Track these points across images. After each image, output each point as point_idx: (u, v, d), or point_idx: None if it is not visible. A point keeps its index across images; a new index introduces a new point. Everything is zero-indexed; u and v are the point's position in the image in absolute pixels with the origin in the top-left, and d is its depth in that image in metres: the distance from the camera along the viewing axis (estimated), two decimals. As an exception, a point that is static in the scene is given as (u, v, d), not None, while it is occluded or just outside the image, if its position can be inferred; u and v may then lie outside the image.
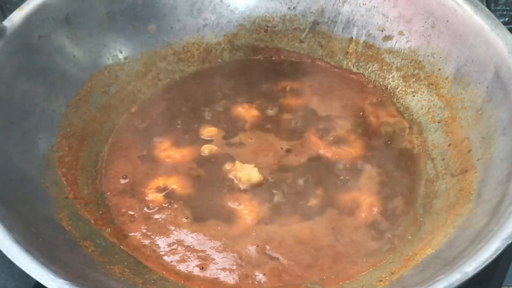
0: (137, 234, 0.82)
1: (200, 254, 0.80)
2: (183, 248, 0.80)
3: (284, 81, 1.00)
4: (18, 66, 0.82)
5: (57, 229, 0.75)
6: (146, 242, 0.81)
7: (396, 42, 0.96)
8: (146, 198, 0.85)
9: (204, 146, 0.90)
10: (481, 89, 0.83)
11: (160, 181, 0.87)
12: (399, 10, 0.95)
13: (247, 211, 0.83)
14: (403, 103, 0.96)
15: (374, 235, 0.81)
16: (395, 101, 0.96)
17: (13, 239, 0.64)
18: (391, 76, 0.98)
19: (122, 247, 0.80)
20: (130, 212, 0.84)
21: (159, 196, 0.85)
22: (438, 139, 0.89)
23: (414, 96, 0.95)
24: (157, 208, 0.84)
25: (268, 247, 0.80)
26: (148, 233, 0.82)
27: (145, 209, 0.84)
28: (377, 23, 0.97)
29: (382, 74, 0.98)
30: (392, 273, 0.74)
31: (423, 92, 0.93)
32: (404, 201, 0.85)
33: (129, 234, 0.82)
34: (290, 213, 0.83)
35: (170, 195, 0.85)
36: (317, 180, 0.87)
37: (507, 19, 1.14)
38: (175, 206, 0.84)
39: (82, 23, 0.90)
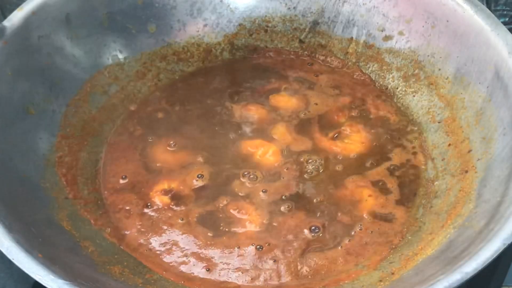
0: (138, 234, 0.82)
1: (201, 255, 0.80)
2: (184, 249, 0.80)
3: (284, 80, 1.00)
4: (18, 66, 0.82)
5: (57, 229, 0.75)
6: (146, 242, 0.81)
7: (396, 42, 0.96)
8: (152, 199, 0.85)
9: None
10: (481, 89, 0.83)
11: (165, 184, 0.87)
12: (399, 10, 0.94)
13: (250, 212, 0.83)
14: (403, 103, 0.96)
15: (374, 235, 0.81)
16: (395, 101, 0.96)
17: (13, 239, 0.64)
18: (391, 76, 0.98)
19: (122, 247, 0.80)
20: (127, 208, 0.85)
21: (165, 198, 0.85)
22: (438, 139, 0.89)
23: (414, 96, 0.95)
24: (159, 210, 0.84)
25: (269, 249, 0.80)
26: (149, 234, 0.82)
27: (147, 210, 0.84)
28: (377, 23, 0.97)
29: (382, 74, 0.98)
30: (392, 273, 0.74)
31: (423, 92, 0.93)
32: (405, 201, 0.85)
33: (126, 233, 0.82)
34: (293, 214, 0.83)
35: (174, 197, 0.85)
36: (319, 178, 0.87)
37: (507, 19, 1.14)
38: (179, 208, 0.84)
39: (82, 23, 0.90)
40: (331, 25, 1.01)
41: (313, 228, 0.81)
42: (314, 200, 0.84)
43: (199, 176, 0.87)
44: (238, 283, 0.77)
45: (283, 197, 0.85)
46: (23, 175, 0.78)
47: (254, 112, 0.96)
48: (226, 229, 0.82)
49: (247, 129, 0.94)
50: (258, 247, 0.80)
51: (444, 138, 0.88)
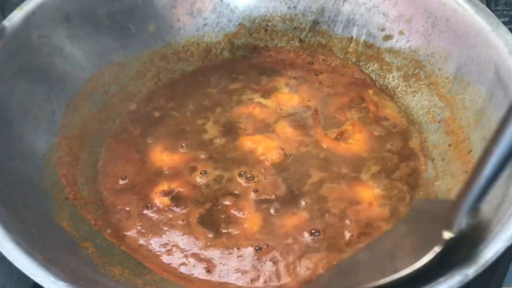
0: (138, 235, 0.82)
1: (201, 256, 0.80)
2: (184, 250, 0.80)
3: (284, 79, 1.00)
4: (18, 66, 0.82)
5: (57, 229, 0.75)
6: (147, 243, 0.81)
7: (396, 41, 0.96)
8: (153, 201, 0.85)
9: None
10: (482, 89, 0.83)
11: (165, 185, 0.86)
12: (400, 10, 0.94)
13: (249, 212, 0.83)
14: (403, 103, 0.95)
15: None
16: (395, 100, 0.96)
17: (13, 240, 0.63)
18: (391, 75, 0.97)
19: (122, 248, 0.80)
20: (126, 209, 0.85)
21: (165, 200, 0.85)
22: (438, 139, 0.89)
23: (414, 96, 0.95)
24: (159, 211, 0.84)
25: (268, 250, 0.80)
26: (149, 235, 0.82)
27: (147, 211, 0.84)
28: (377, 22, 0.97)
29: (382, 73, 0.98)
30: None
31: (424, 92, 0.93)
32: (404, 201, 0.85)
33: (126, 233, 0.82)
34: (293, 215, 0.83)
35: (174, 199, 0.85)
36: (319, 179, 0.87)
37: (507, 19, 1.14)
38: (179, 209, 0.84)
39: (82, 23, 0.90)
40: (331, 24, 1.01)
41: (313, 231, 0.81)
42: (315, 201, 0.84)
43: (201, 175, 0.87)
44: (238, 284, 0.77)
45: (283, 197, 0.85)
46: (23, 175, 0.77)
47: (254, 111, 0.96)
48: (226, 230, 0.82)
49: (248, 128, 0.93)
50: (257, 248, 0.80)
51: (444, 138, 0.88)
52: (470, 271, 0.60)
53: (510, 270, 0.86)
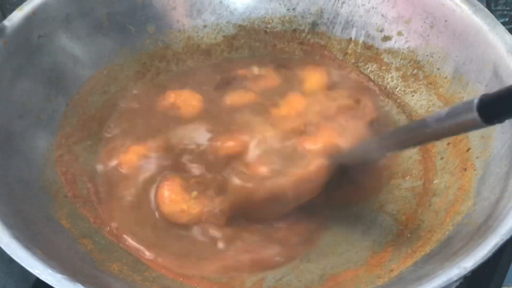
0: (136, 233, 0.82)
1: (201, 255, 0.80)
2: (184, 249, 0.80)
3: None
4: (18, 65, 0.82)
5: (56, 227, 0.75)
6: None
7: (395, 42, 0.96)
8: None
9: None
10: (480, 88, 0.83)
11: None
12: (398, 11, 0.95)
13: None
14: (402, 103, 0.96)
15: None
16: (394, 100, 0.96)
17: (12, 235, 0.63)
18: (390, 76, 0.98)
19: (121, 245, 0.80)
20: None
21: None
22: (437, 138, 0.89)
23: (413, 95, 0.95)
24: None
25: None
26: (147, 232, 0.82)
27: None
28: (376, 23, 0.97)
29: (381, 74, 0.98)
30: (391, 270, 0.73)
31: (422, 92, 0.93)
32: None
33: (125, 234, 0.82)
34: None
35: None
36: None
37: (507, 19, 1.14)
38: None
39: (82, 23, 0.91)
40: (330, 26, 1.01)
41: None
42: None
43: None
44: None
45: None
46: (22, 173, 0.78)
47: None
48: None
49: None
50: None
51: (443, 137, 0.88)
52: (469, 264, 0.61)
53: (510, 270, 0.86)
